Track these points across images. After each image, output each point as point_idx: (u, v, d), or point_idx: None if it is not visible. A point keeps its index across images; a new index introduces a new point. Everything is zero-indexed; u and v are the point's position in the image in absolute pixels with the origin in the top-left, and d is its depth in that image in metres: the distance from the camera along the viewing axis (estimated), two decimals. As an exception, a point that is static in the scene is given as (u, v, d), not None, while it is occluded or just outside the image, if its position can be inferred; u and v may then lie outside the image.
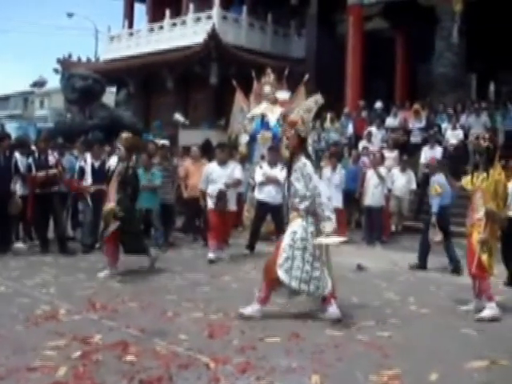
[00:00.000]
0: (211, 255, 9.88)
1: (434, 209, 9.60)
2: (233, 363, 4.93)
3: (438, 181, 9.89)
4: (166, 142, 13.81)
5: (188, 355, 5.11)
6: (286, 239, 6.40)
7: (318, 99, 7.08)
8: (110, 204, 8.49)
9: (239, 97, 14.46)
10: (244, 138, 13.59)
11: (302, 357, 5.15)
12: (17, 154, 10.70)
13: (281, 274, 6.33)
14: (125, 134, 8.87)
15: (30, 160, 10.58)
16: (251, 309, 6.47)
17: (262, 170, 10.89)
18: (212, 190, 10.11)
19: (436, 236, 9.44)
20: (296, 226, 6.40)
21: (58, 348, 5.25)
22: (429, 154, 15.05)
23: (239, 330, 5.90)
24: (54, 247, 10.57)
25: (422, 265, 9.87)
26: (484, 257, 6.70)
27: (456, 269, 9.46)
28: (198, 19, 26.33)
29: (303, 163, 6.40)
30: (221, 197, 9.93)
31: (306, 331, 5.91)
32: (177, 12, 27.92)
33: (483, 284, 6.82)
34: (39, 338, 5.49)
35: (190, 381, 4.58)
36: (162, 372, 4.69)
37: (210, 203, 10.15)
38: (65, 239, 10.67)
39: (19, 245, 10.84)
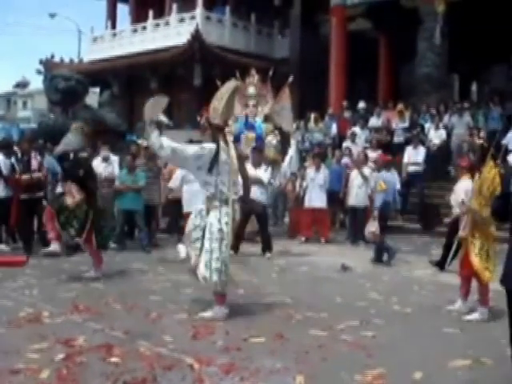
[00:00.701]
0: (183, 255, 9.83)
1: (377, 203, 10.30)
2: (217, 364, 4.93)
3: (383, 177, 10.69)
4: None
5: (172, 356, 5.10)
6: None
7: (229, 86, 6.89)
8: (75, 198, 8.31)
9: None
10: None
11: (286, 357, 5.15)
12: None
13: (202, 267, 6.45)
14: (74, 124, 8.65)
15: (13, 161, 10.52)
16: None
17: (245, 171, 10.88)
18: (186, 191, 10.11)
19: (373, 228, 10.10)
20: (211, 218, 6.48)
21: (41, 350, 5.22)
22: (412, 153, 15.13)
23: (223, 331, 5.91)
24: (37, 249, 10.50)
25: (440, 264, 9.77)
26: (476, 259, 6.62)
27: (391, 256, 10.17)
28: (182, 20, 26.29)
29: (209, 147, 6.50)
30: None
31: (290, 332, 5.91)
32: (160, 13, 27.85)
33: (481, 288, 6.77)
34: (22, 341, 5.45)
35: (175, 382, 4.58)
36: (147, 373, 4.68)
37: (185, 206, 10.13)
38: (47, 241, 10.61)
39: (2, 246, 10.76)
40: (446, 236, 9.37)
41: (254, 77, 13.83)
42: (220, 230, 6.42)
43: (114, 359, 5.02)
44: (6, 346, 5.34)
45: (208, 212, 6.52)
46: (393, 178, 11.28)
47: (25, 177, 10.25)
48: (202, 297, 7.40)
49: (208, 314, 6.49)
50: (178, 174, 10.31)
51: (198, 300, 7.21)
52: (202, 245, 6.48)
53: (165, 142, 6.44)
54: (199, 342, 5.56)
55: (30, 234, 10.73)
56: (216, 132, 6.69)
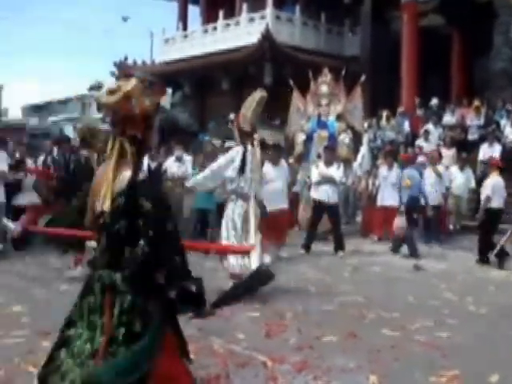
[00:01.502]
0: (266, 259, 9.86)
1: (404, 199, 10.98)
2: (290, 362, 4.95)
3: (409, 174, 11.29)
4: (231, 143, 13.92)
5: (245, 354, 5.15)
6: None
7: (255, 96, 7.57)
8: None
9: (296, 96, 14.46)
10: (300, 137, 13.58)
11: (358, 356, 5.14)
12: None
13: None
14: (79, 125, 8.33)
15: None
16: None
17: (317, 170, 10.87)
18: (266, 190, 10.12)
19: (401, 223, 10.58)
20: (228, 210, 7.71)
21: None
22: (487, 151, 14.76)
23: (296, 329, 5.92)
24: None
25: (483, 259, 9.90)
26: None
27: (412, 254, 10.52)
28: (252, 19, 26.39)
29: (235, 151, 7.71)
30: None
31: (362, 331, 5.89)
32: (230, 13, 28.03)
33: None
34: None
35: (248, 379, 4.62)
36: (220, 370, 4.74)
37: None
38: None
39: None
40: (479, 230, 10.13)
41: (327, 75, 13.80)
42: (232, 219, 7.58)
43: (188, 355, 5.10)
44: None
45: (227, 205, 7.73)
46: (416, 175, 11.55)
47: None
48: (275, 295, 7.45)
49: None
50: None
51: (271, 298, 7.25)
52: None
53: (205, 177, 8.12)
54: (272, 340, 5.60)
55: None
56: (244, 136, 7.72)
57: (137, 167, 3.00)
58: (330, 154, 11.15)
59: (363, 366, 4.91)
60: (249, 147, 7.67)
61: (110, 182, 2.94)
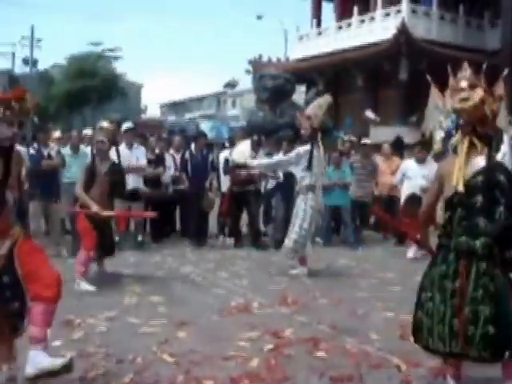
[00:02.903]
0: (410, 254, 9.68)
1: None
2: (425, 366, 4.76)
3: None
4: (367, 140, 13.75)
5: (379, 355, 5.02)
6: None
7: (326, 98, 8.81)
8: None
9: (434, 92, 14.02)
10: (439, 135, 13.17)
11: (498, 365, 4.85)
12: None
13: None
14: (105, 124, 8.08)
15: (228, 156, 11.04)
16: None
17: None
18: (407, 187, 9.90)
19: None
20: (299, 201, 8.35)
21: (251, 340, 5.39)
22: None
23: (432, 333, 5.70)
24: (247, 241, 10.95)
25: None
26: None
27: None
28: (387, 14, 25.96)
29: (304, 149, 8.35)
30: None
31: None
32: (365, 8, 27.70)
33: None
34: (233, 329, 5.68)
35: (381, 381, 4.49)
36: (353, 370, 4.64)
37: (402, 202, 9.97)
38: (259, 234, 11.00)
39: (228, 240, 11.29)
40: None
41: (467, 70, 13.26)
42: (304, 210, 8.21)
43: (320, 353, 5.04)
44: (219, 333, 5.59)
45: (298, 197, 8.36)
46: None
47: (243, 173, 10.57)
48: (410, 295, 7.23)
49: (294, 271, 8.38)
50: (400, 170, 10.17)
51: (406, 299, 7.05)
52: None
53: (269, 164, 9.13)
54: (407, 343, 5.40)
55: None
56: (315, 133, 8.37)
57: (491, 154, 3.87)
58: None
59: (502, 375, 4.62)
60: (316, 144, 8.36)
61: (462, 168, 3.85)
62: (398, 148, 12.91)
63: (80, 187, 7.59)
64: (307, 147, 8.33)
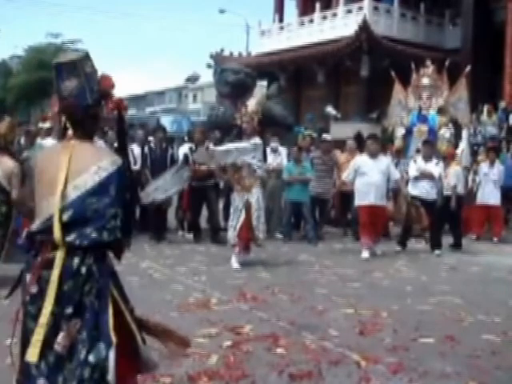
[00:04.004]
0: (365, 254, 9.68)
1: None
2: (384, 363, 4.76)
3: None
4: (327, 136, 13.76)
5: (338, 351, 5.00)
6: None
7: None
8: None
9: (398, 88, 14.13)
10: (400, 132, 13.30)
11: (457, 361, 4.88)
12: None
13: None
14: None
15: (187, 151, 10.92)
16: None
17: (416, 165, 10.53)
18: (361, 183, 9.91)
19: None
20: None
21: (210, 336, 5.33)
22: None
23: (391, 329, 5.71)
24: (206, 236, 10.87)
25: None
26: None
27: None
28: (349, 11, 26.04)
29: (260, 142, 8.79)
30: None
31: (460, 334, 5.60)
32: (327, 4, 27.76)
33: None
34: (192, 325, 5.58)
35: (340, 378, 4.47)
36: (312, 367, 4.61)
37: (358, 198, 9.97)
38: (218, 229, 10.93)
39: (187, 235, 11.18)
40: None
41: (429, 67, 13.42)
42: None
43: (279, 350, 5.01)
44: (177, 329, 5.50)
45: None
46: None
47: (202, 168, 10.49)
48: (369, 292, 7.27)
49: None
50: (352, 166, 10.12)
51: (366, 294, 7.07)
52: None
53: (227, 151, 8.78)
54: (366, 339, 5.42)
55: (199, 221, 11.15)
56: (260, 127, 8.84)
57: None
58: (429, 148, 10.78)
59: (462, 372, 4.65)
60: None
61: None
62: (359, 144, 12.94)
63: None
64: (260, 140, 8.70)
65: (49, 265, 2.75)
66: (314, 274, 8.38)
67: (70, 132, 2.96)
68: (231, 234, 8.64)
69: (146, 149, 11.03)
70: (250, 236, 8.63)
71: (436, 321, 6.10)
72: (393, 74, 14.23)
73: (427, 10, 26.39)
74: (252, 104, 8.87)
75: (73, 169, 2.82)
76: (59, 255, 2.76)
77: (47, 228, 2.76)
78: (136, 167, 10.98)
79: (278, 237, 11.24)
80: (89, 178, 2.81)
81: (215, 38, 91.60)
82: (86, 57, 2.95)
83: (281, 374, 4.49)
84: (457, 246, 10.83)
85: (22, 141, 10.38)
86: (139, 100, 65.54)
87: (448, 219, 11.01)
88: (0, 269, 7.07)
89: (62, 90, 2.89)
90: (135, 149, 11.24)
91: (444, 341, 5.40)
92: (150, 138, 12.40)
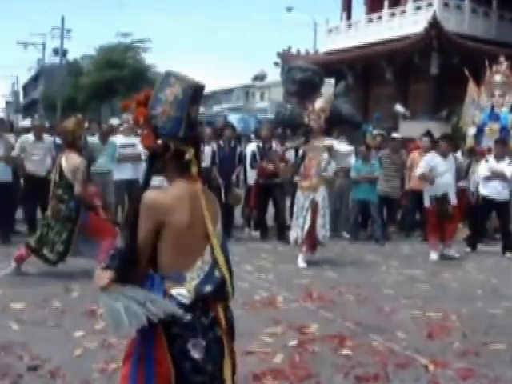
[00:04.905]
0: (434, 256, 9.49)
1: None
2: (453, 368, 4.65)
3: None
4: (396, 135, 13.55)
5: (406, 354, 4.92)
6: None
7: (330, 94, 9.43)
8: None
9: (471, 87, 13.80)
10: (471, 130, 12.98)
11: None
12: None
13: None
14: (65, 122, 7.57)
15: (255, 149, 10.95)
16: None
17: (487, 164, 10.26)
18: (436, 183, 9.66)
19: None
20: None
21: (275, 335, 5.32)
22: None
23: (460, 333, 5.58)
24: (272, 234, 10.86)
25: None
26: None
27: None
28: (418, 8, 25.63)
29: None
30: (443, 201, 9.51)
31: (534, 340, 5.42)
32: (395, 2, 27.39)
33: None
34: (257, 324, 5.59)
35: (408, 382, 4.40)
36: (379, 369, 4.54)
37: (427, 200, 9.75)
38: (285, 227, 10.90)
39: (253, 233, 11.22)
40: None
41: (502, 64, 13.05)
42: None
43: (345, 351, 4.96)
44: (242, 327, 5.43)
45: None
46: None
47: (270, 167, 10.54)
48: (438, 293, 7.13)
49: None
50: (425, 164, 9.88)
51: (434, 297, 6.93)
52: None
53: None
54: (434, 342, 5.30)
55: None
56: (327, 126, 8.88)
57: None
58: (502, 147, 10.47)
59: (536, 379, 4.51)
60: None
61: None
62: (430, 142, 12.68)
63: None
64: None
65: (213, 325, 2.57)
66: (380, 274, 8.27)
67: (194, 170, 2.55)
68: (299, 233, 8.60)
69: (215, 146, 11.09)
70: (316, 235, 8.58)
71: (507, 325, 5.91)
72: (466, 72, 13.88)
73: (499, 5, 25.72)
74: (319, 102, 8.79)
75: (211, 217, 2.59)
76: (222, 313, 2.63)
77: (219, 285, 2.62)
78: (204, 164, 11.07)
79: (344, 236, 11.13)
80: (220, 227, 2.66)
81: (283, 36, 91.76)
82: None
83: (347, 375, 4.44)
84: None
85: (95, 138, 10.56)
86: (207, 98, 66.09)
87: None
88: (69, 263, 7.29)
89: (192, 117, 2.52)
90: (203, 147, 11.32)
91: (516, 347, 5.24)
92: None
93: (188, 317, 2.47)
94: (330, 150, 8.70)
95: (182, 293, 2.45)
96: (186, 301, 2.45)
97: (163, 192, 2.50)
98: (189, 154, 2.50)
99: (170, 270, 2.51)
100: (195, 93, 2.52)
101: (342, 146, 8.99)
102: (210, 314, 2.54)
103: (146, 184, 2.58)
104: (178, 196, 2.48)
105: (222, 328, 2.57)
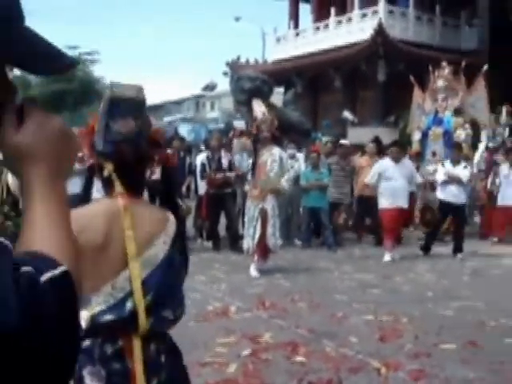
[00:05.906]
0: (387, 258, 9.63)
1: None
2: (405, 370, 4.70)
3: None
4: (345, 141, 13.70)
5: (358, 359, 4.95)
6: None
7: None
8: None
9: (416, 92, 14.05)
10: (417, 135, 13.22)
11: (479, 367, 4.78)
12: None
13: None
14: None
15: (204, 160, 10.93)
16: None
17: (444, 169, 10.45)
18: (385, 187, 9.85)
19: None
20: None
21: (228, 345, 5.30)
22: None
23: (412, 335, 5.64)
24: (225, 245, 10.83)
25: None
26: None
27: None
28: (364, 15, 25.98)
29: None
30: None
31: (483, 339, 5.51)
32: (342, 9, 27.69)
33: None
34: (210, 334, 5.57)
35: (361, 386, 4.43)
36: (332, 375, 4.56)
37: (383, 201, 9.90)
38: (237, 237, 10.89)
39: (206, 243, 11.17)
40: None
41: (445, 69, 13.33)
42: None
43: (299, 358, 4.97)
44: (195, 338, 5.47)
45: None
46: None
47: (219, 176, 10.54)
48: (389, 297, 7.20)
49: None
50: (375, 169, 10.09)
51: (385, 300, 7.00)
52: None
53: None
54: (386, 345, 5.35)
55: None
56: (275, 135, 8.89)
57: None
58: (458, 152, 10.73)
59: (485, 378, 4.56)
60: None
61: None
62: (378, 148, 12.88)
63: None
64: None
65: (121, 356, 2.22)
66: (333, 280, 8.32)
67: (117, 187, 2.28)
68: (250, 243, 8.61)
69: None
70: (267, 244, 8.59)
71: (458, 326, 6.01)
72: (412, 78, 14.13)
73: (443, 12, 26.23)
74: (259, 110, 8.86)
75: (140, 240, 2.25)
76: (137, 344, 2.22)
77: (125, 316, 2.21)
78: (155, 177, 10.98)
79: (296, 244, 11.18)
80: (159, 251, 2.29)
81: (232, 45, 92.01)
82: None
83: (300, 382, 4.45)
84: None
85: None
86: (157, 109, 65.71)
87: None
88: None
89: (113, 131, 2.25)
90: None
91: (466, 346, 5.32)
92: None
93: (87, 342, 2.20)
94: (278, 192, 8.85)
95: (83, 316, 2.18)
96: (84, 324, 2.19)
97: (83, 209, 2.31)
98: (106, 170, 2.29)
99: (83, 289, 2.35)
100: (114, 104, 2.26)
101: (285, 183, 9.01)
102: (118, 343, 2.23)
103: (85, 198, 2.48)
104: (90, 214, 2.28)
105: (134, 361, 2.23)
